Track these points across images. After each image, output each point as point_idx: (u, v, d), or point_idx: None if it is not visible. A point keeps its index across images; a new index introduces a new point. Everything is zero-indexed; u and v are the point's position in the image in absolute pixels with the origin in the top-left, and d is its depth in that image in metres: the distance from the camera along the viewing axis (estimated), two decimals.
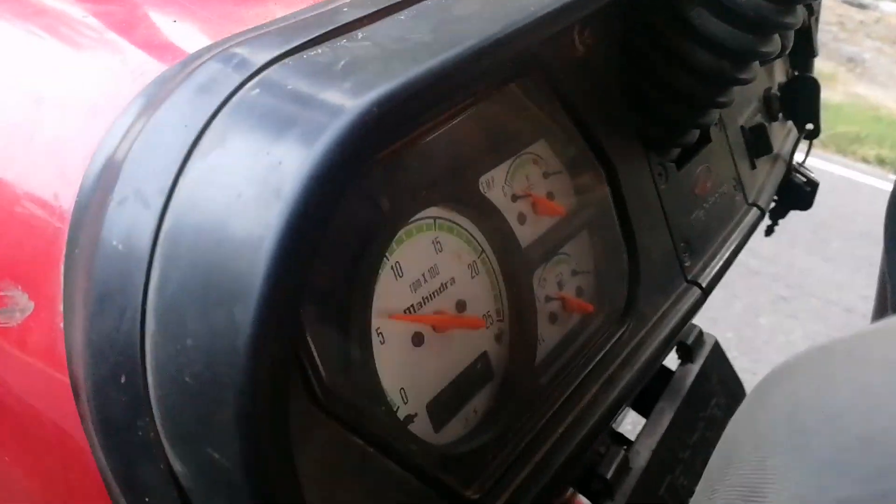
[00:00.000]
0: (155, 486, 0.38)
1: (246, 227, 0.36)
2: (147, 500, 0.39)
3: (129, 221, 0.39)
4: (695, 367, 1.02)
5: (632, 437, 0.89)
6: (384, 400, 0.51)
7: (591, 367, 0.67)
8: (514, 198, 0.66)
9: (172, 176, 0.39)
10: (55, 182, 0.45)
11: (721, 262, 0.88)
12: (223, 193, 0.38)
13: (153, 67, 0.47)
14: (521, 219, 0.66)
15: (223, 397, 0.35)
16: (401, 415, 0.54)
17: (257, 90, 0.42)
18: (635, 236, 0.74)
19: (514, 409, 0.61)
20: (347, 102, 0.38)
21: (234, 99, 0.41)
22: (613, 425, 1.03)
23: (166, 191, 0.39)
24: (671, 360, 1.05)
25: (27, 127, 0.48)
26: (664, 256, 0.80)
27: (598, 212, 0.73)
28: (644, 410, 0.99)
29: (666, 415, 0.95)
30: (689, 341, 1.03)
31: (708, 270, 0.86)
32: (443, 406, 0.57)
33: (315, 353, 0.45)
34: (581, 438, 0.63)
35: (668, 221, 0.80)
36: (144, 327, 0.37)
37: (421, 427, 0.55)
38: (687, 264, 0.83)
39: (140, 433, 0.38)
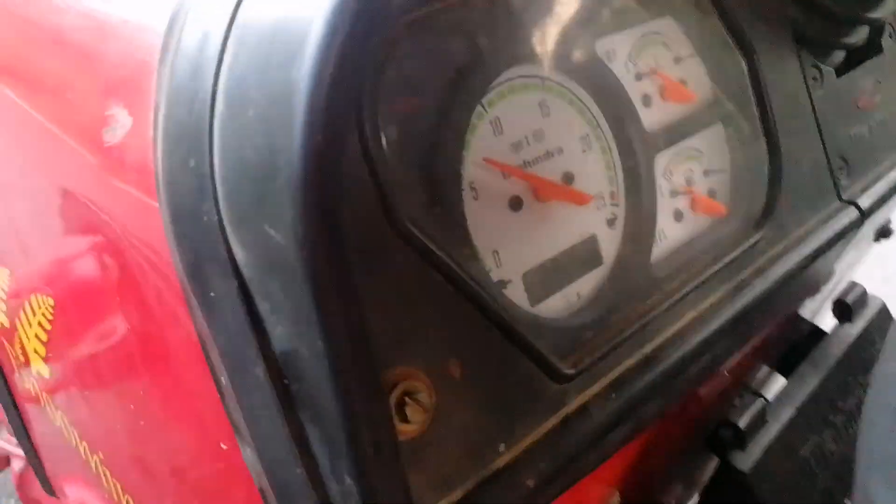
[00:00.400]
0: (217, 276, 0.37)
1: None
2: (212, 294, 0.38)
3: (207, 15, 0.39)
4: (854, 329, 0.91)
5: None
6: (472, 250, 0.47)
7: (717, 267, 0.61)
8: (639, 76, 0.60)
9: None
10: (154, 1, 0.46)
11: (887, 188, 0.78)
12: None
13: None
14: (646, 101, 0.61)
15: (277, 164, 0.33)
16: (494, 277, 0.50)
17: None
18: (778, 138, 0.66)
19: (623, 298, 0.56)
20: None
21: None
22: (754, 385, 0.95)
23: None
24: (825, 321, 0.95)
25: None
26: (814, 168, 0.71)
27: (735, 105, 0.66)
28: (788, 371, 0.90)
29: (813, 376, 0.85)
30: (849, 299, 0.92)
31: (869, 194, 0.76)
32: (540, 280, 0.53)
33: (396, 177, 0.42)
34: (700, 340, 0.57)
35: (821, 130, 0.71)
36: (214, 109, 0.37)
37: (515, 295, 0.51)
38: (843, 182, 0.73)
39: (205, 218, 0.37)
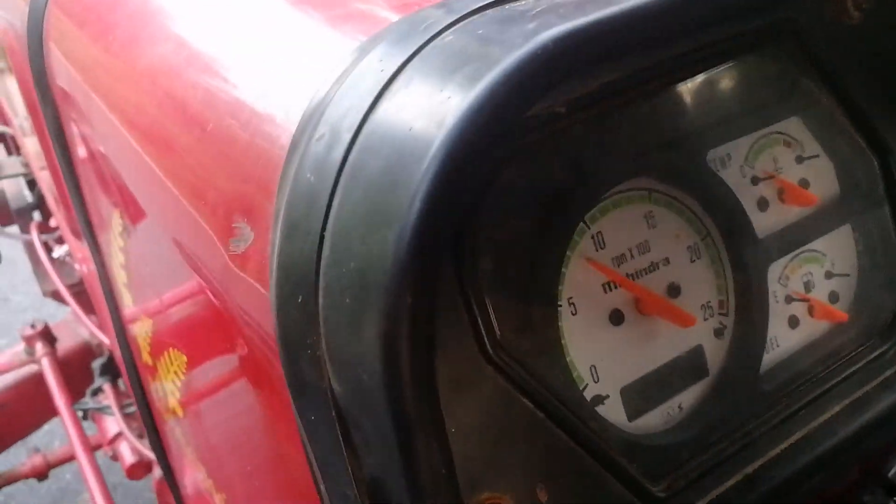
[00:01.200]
0: (318, 404, 0.40)
1: (410, 157, 0.36)
2: (312, 417, 0.41)
3: (321, 155, 0.42)
4: None
5: None
6: (566, 370, 0.48)
7: (834, 381, 0.58)
8: (756, 180, 0.59)
9: (362, 114, 0.41)
10: (279, 126, 0.49)
11: None
12: (399, 128, 0.38)
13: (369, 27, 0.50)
14: (762, 204, 0.59)
15: (371, 318, 0.35)
16: (589, 393, 0.50)
17: (451, 36, 0.42)
18: None
19: (726, 412, 0.55)
20: (524, 40, 0.37)
21: (429, 45, 0.42)
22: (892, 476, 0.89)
23: (355, 127, 0.41)
24: None
25: (262, 83, 0.53)
26: None
27: (865, 206, 0.63)
28: None
29: None
30: None
31: None
32: (640, 394, 0.53)
33: (489, 304, 0.44)
34: (811, 459, 0.54)
35: None
36: (321, 251, 0.39)
37: (611, 411, 0.51)
38: None
39: (309, 351, 0.40)
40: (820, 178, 0.62)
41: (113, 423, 1.97)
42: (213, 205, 0.55)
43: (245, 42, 0.60)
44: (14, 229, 2.54)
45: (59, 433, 2.47)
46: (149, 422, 1.23)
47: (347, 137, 0.40)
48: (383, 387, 0.35)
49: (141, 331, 1.02)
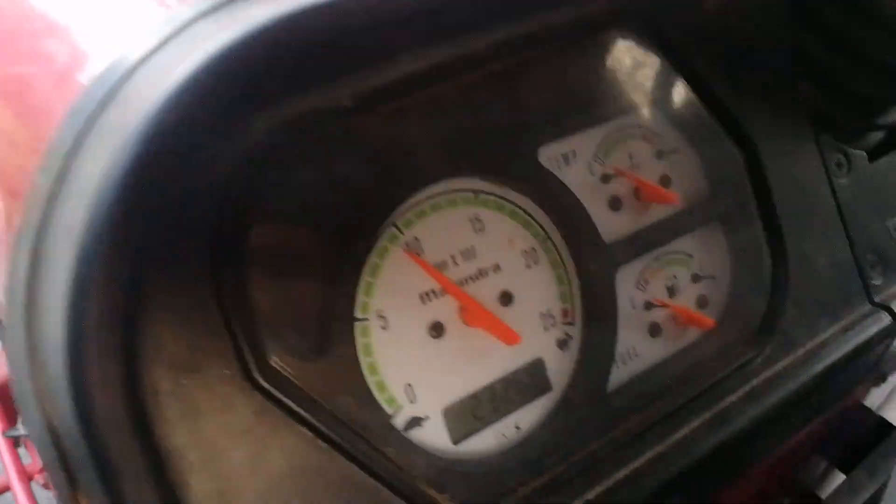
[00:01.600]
0: (44, 443, 0.35)
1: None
2: (47, 461, 0.36)
3: (50, 156, 0.37)
4: None
5: None
6: (364, 392, 0.43)
7: (695, 394, 0.53)
8: (606, 178, 0.54)
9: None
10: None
11: None
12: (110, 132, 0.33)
13: None
14: (615, 204, 0.55)
15: (56, 338, 0.31)
16: (404, 416, 0.46)
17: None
18: (784, 238, 0.58)
19: (570, 432, 0.50)
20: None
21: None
22: (808, 485, 0.85)
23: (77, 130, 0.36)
24: (890, 414, 0.84)
25: None
26: (836, 268, 0.61)
27: (733, 203, 0.58)
28: (847, 467, 0.80)
29: (877, 474, 0.75)
30: None
31: None
32: (468, 413, 0.48)
33: (257, 321, 0.39)
34: (660, 482, 0.50)
35: (846, 224, 0.62)
36: (35, 266, 0.34)
37: (432, 434, 0.47)
38: (876, 282, 0.64)
39: (28, 381, 0.35)
40: (683, 175, 0.58)
41: None
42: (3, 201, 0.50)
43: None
44: None
45: None
46: None
47: (75, 130, 0.36)
48: (74, 420, 0.31)
49: None
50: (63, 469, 0.34)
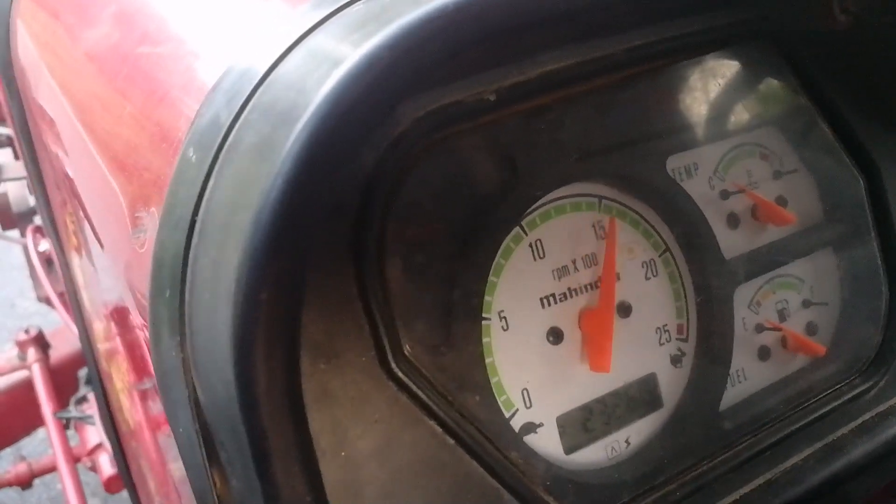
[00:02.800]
0: (184, 415, 0.35)
1: (282, 126, 0.31)
2: (181, 429, 0.36)
3: (204, 129, 0.37)
4: None
5: None
6: (488, 392, 0.42)
7: (805, 421, 0.52)
8: (726, 194, 0.53)
9: (254, 83, 0.36)
10: (180, 115, 0.45)
11: None
12: (282, 95, 0.34)
13: None
14: (732, 221, 0.53)
15: (223, 317, 0.30)
16: (519, 420, 0.45)
17: (357, 8, 0.37)
18: None
19: (680, 450, 0.49)
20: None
21: (334, 17, 0.37)
22: None
23: (243, 98, 0.36)
24: None
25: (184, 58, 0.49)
26: None
27: (850, 229, 0.57)
28: None
29: None
30: None
31: None
32: (580, 424, 0.47)
33: (395, 313, 0.38)
34: None
35: None
36: (191, 240, 0.34)
37: (545, 441, 0.46)
38: None
39: (174, 353, 0.35)
40: (799, 196, 0.56)
41: (94, 434, 1.92)
42: (124, 196, 0.50)
43: (171, 16, 0.56)
44: (16, 233, 2.51)
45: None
46: (111, 433, 1.18)
47: (234, 108, 0.36)
48: (236, 399, 0.30)
49: (98, 333, 0.97)
50: (202, 442, 0.34)
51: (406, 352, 0.39)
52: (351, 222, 0.37)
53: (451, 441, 0.39)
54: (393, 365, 0.38)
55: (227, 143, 0.35)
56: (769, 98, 0.54)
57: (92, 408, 1.96)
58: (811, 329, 0.57)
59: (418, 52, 0.32)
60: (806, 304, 0.57)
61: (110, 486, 1.83)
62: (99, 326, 0.94)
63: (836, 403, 0.53)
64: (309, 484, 0.32)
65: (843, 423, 0.53)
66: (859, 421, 0.53)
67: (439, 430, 0.39)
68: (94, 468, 1.92)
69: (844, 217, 0.57)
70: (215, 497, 0.35)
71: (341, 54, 0.32)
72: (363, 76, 0.30)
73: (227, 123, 0.36)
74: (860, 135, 0.55)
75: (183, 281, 0.34)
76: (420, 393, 0.38)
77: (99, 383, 1.13)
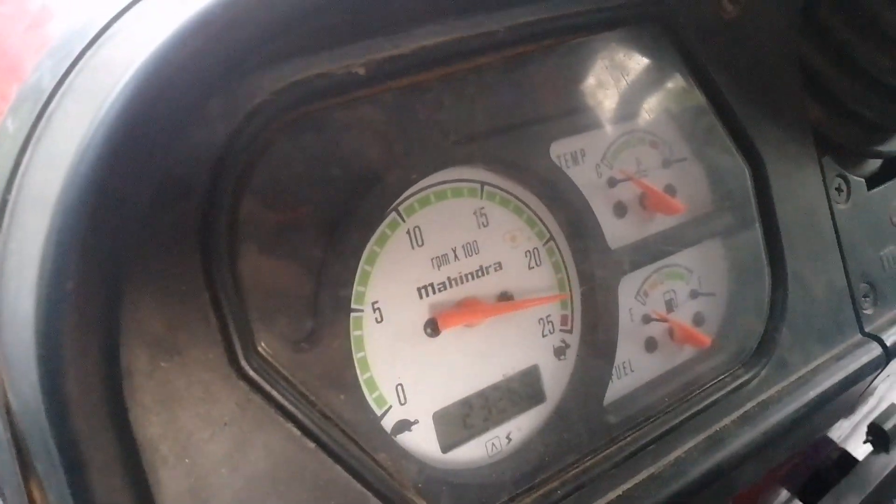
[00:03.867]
0: None
1: (100, 92, 0.27)
2: None
3: (23, 99, 0.32)
4: (892, 460, 0.79)
5: None
6: (356, 390, 0.39)
7: (690, 413, 0.51)
8: (613, 181, 0.52)
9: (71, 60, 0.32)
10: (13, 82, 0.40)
11: None
12: (102, 67, 0.29)
13: None
14: (620, 210, 0.52)
15: (27, 308, 0.26)
16: (392, 418, 0.42)
17: None
18: (785, 260, 0.56)
19: (563, 446, 0.47)
20: None
21: None
22: None
23: (60, 74, 0.32)
24: (855, 446, 0.83)
25: None
26: (831, 295, 0.60)
27: (736, 219, 0.57)
28: (810, 500, 0.78)
29: None
30: (888, 426, 0.80)
31: None
32: (459, 420, 0.45)
33: (247, 304, 0.35)
34: (656, 503, 0.47)
35: (843, 251, 0.61)
36: (2, 220, 0.30)
37: (421, 440, 0.43)
38: (867, 312, 0.63)
39: None
40: (688, 185, 0.56)
41: None
42: None
43: None
44: None
45: None
46: None
47: (60, 71, 0.32)
48: (42, 404, 0.26)
49: None
50: (16, 454, 0.30)
51: (260, 348, 0.35)
52: (197, 203, 0.33)
53: (312, 444, 0.36)
54: (243, 363, 0.34)
55: (48, 110, 0.31)
56: (659, 85, 0.53)
57: None
58: (698, 320, 0.56)
59: (261, 11, 0.28)
60: (693, 294, 0.56)
61: None
62: None
63: (719, 394, 0.53)
64: (136, 499, 0.28)
65: (725, 413, 0.52)
66: (741, 411, 0.53)
67: (297, 432, 0.36)
68: None
69: (732, 207, 0.56)
70: None
71: (178, 12, 0.29)
72: (192, 38, 0.27)
73: (50, 89, 0.31)
74: (746, 125, 0.55)
75: None
76: (275, 393, 0.35)
77: None
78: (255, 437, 0.34)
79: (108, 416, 0.27)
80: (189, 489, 0.33)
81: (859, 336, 0.62)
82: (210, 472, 0.33)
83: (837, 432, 0.82)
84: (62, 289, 0.25)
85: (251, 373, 0.34)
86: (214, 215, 0.34)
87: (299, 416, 0.35)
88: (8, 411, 0.30)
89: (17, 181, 0.30)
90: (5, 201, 0.30)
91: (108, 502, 0.28)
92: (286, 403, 0.35)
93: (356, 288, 0.41)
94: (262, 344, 0.35)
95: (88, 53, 0.31)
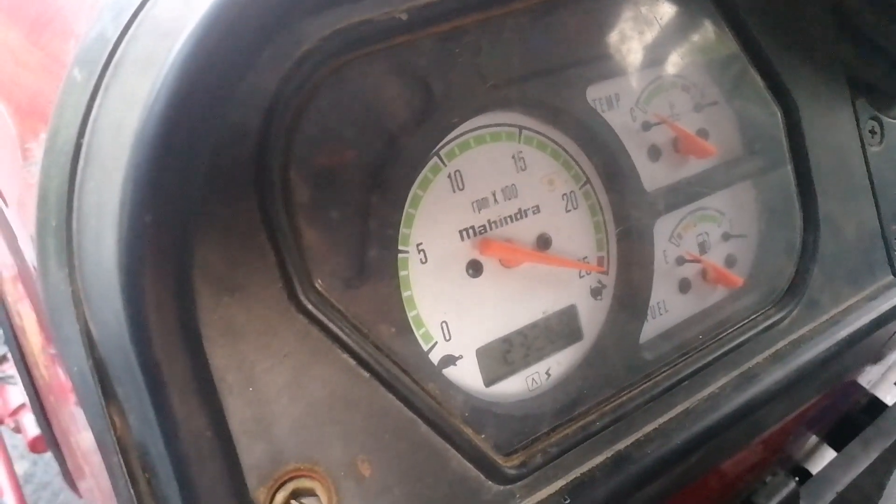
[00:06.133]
0: (77, 352, 0.33)
1: (164, 40, 0.29)
2: (74, 368, 0.34)
3: (90, 48, 0.34)
4: None
5: None
6: (404, 325, 0.41)
7: (722, 351, 0.52)
8: (647, 125, 0.53)
9: (134, 8, 0.33)
10: (70, 35, 0.41)
11: None
12: (166, 12, 0.31)
13: None
14: (654, 153, 0.53)
15: (109, 243, 0.28)
16: (438, 353, 0.44)
17: None
18: (817, 202, 0.57)
19: (600, 381, 0.49)
20: None
21: None
22: (798, 459, 0.85)
23: (124, 22, 0.33)
24: (884, 393, 0.84)
25: None
26: (863, 237, 0.61)
27: (768, 163, 0.57)
28: (839, 444, 0.80)
29: (867, 453, 0.75)
30: None
31: None
32: (500, 356, 0.46)
33: (304, 244, 0.37)
34: (690, 436, 0.49)
35: (876, 193, 0.61)
36: (76, 164, 0.32)
37: (465, 374, 0.45)
38: None
39: (63, 287, 0.32)
40: (720, 129, 0.56)
41: (17, 394, 1.85)
42: (16, 128, 0.46)
43: None
44: None
45: None
46: (31, 391, 1.14)
47: (122, 22, 0.33)
48: (126, 327, 0.28)
49: (9, 290, 0.93)
50: (98, 379, 0.32)
51: (317, 284, 0.37)
52: (253, 146, 0.35)
53: (366, 374, 0.38)
54: (302, 298, 0.36)
55: (115, 59, 0.33)
56: (691, 30, 0.54)
57: (12, 367, 1.89)
58: (730, 261, 0.58)
59: None
60: (725, 236, 0.57)
61: (35, 446, 1.77)
62: (9, 281, 0.89)
63: (751, 333, 0.54)
64: (209, 417, 0.31)
65: (758, 351, 0.54)
66: (773, 349, 0.54)
67: (353, 362, 0.38)
68: (17, 429, 1.86)
69: (763, 150, 0.57)
70: (114, 436, 0.33)
71: None
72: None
73: (115, 39, 0.33)
74: (778, 69, 0.55)
75: (70, 209, 0.32)
76: (332, 326, 0.37)
77: (14, 340, 1.08)
78: (313, 368, 0.37)
79: (185, 342, 0.29)
80: (253, 415, 0.35)
81: (891, 277, 0.62)
82: (272, 399, 0.35)
83: (867, 377, 0.83)
84: (142, 222, 0.27)
85: (310, 307, 0.36)
86: (268, 158, 0.35)
87: (354, 347, 0.37)
88: (90, 340, 0.32)
89: (89, 126, 0.32)
90: (79, 145, 0.32)
91: (187, 422, 0.30)
92: (342, 335, 0.37)
93: (402, 230, 0.42)
94: (319, 280, 0.37)
95: (147, 6, 0.33)
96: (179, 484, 0.31)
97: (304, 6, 0.33)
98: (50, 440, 1.19)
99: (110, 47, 0.33)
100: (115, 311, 0.28)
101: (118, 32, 0.33)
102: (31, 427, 1.85)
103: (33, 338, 0.85)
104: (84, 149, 0.32)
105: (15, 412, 1.90)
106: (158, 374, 0.29)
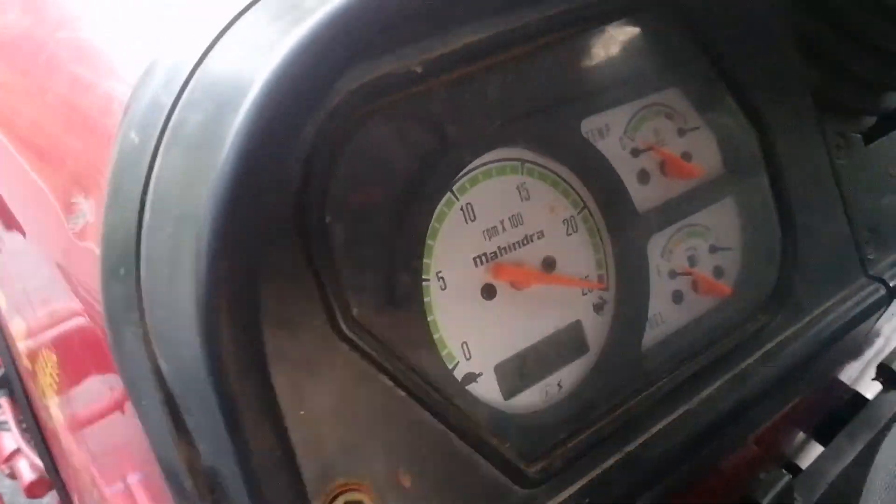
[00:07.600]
0: (147, 387, 0.36)
1: (227, 106, 0.33)
2: (143, 402, 0.37)
3: (146, 112, 0.38)
4: None
5: None
6: (432, 347, 0.45)
7: (716, 356, 0.57)
8: (636, 152, 0.57)
9: (191, 66, 0.37)
10: (111, 100, 0.45)
11: None
12: (222, 78, 0.35)
13: None
14: (643, 177, 0.58)
15: (187, 286, 0.32)
16: (461, 371, 0.48)
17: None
18: (792, 212, 0.62)
19: (608, 389, 0.53)
20: None
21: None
22: (789, 455, 0.89)
23: (182, 80, 0.37)
24: (865, 388, 0.89)
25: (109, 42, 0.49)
26: (836, 242, 0.66)
27: (746, 179, 0.62)
28: (826, 439, 0.84)
29: (853, 445, 0.79)
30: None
31: None
32: (516, 371, 0.50)
33: (342, 278, 0.41)
34: (691, 434, 0.53)
35: (846, 201, 0.67)
36: (142, 217, 0.36)
37: (485, 389, 0.49)
38: (870, 257, 0.68)
39: (133, 328, 0.36)
40: (702, 151, 0.61)
41: (10, 440, 1.85)
42: (52, 184, 0.50)
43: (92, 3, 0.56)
44: None
45: None
46: (36, 434, 1.16)
47: (174, 90, 0.37)
48: (203, 363, 0.32)
49: (17, 332, 0.95)
50: (168, 413, 0.35)
51: (354, 314, 0.41)
52: (294, 193, 0.39)
53: (402, 393, 0.42)
54: (343, 327, 0.40)
55: (171, 123, 0.36)
56: (671, 61, 0.58)
57: (4, 413, 1.88)
58: (718, 272, 0.62)
59: (353, 29, 0.34)
60: (712, 249, 0.62)
61: (32, 491, 1.77)
62: (19, 324, 0.91)
63: (741, 337, 0.59)
64: (277, 438, 0.34)
65: (748, 354, 0.58)
66: (762, 351, 0.59)
67: (390, 383, 0.41)
68: (12, 475, 1.85)
69: (741, 168, 0.62)
70: (183, 463, 0.36)
71: (278, 35, 0.34)
72: (304, 55, 0.32)
73: (169, 104, 0.37)
74: (752, 93, 0.60)
75: (137, 258, 0.36)
76: (371, 351, 0.40)
77: (19, 384, 1.10)
78: (354, 389, 0.40)
79: (255, 372, 0.33)
80: (305, 437, 0.38)
81: (864, 278, 0.68)
82: (321, 420, 0.39)
83: (847, 374, 0.88)
84: (219, 268, 0.31)
85: (350, 334, 0.40)
86: (309, 203, 0.39)
87: (390, 368, 0.41)
88: (159, 376, 0.36)
89: (152, 184, 0.36)
90: (143, 201, 0.36)
91: (257, 442, 0.34)
92: (380, 359, 0.41)
93: (423, 260, 0.46)
94: (356, 310, 0.41)
95: (198, 74, 0.37)
96: (251, 499, 0.34)
97: (340, 66, 0.37)
98: (58, 482, 1.20)
99: (166, 112, 0.37)
100: (192, 348, 0.32)
101: (172, 98, 0.37)
102: (26, 472, 1.84)
103: (46, 378, 0.87)
104: (148, 205, 0.35)
105: (9, 458, 1.89)
106: (233, 403, 0.32)
